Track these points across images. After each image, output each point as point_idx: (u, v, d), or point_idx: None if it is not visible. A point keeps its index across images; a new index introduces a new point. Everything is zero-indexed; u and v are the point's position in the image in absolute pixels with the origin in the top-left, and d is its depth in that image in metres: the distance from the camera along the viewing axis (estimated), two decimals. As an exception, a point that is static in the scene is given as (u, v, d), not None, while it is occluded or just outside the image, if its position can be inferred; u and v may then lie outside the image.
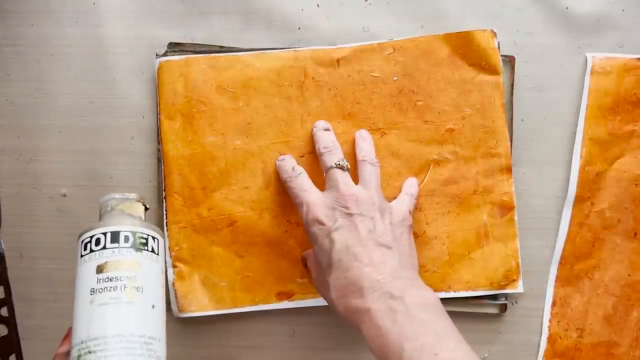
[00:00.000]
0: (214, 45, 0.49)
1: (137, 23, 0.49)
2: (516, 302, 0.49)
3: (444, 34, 0.48)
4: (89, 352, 0.31)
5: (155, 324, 0.33)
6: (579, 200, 0.48)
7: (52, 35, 0.50)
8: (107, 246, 0.34)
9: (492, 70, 0.47)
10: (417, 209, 0.47)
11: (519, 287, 0.47)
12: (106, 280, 0.32)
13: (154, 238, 0.35)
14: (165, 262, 0.45)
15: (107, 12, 0.50)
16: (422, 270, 0.47)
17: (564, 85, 0.49)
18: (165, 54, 0.49)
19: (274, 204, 0.48)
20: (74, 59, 0.50)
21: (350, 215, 0.40)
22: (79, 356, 0.31)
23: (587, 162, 0.48)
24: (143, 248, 0.34)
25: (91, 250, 0.34)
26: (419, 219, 0.47)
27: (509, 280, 0.47)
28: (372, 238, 0.39)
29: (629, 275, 0.48)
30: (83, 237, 0.35)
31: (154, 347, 0.32)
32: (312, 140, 0.48)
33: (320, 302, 0.47)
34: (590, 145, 0.48)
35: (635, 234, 0.48)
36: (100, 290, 0.32)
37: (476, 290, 0.47)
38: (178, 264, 0.48)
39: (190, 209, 0.48)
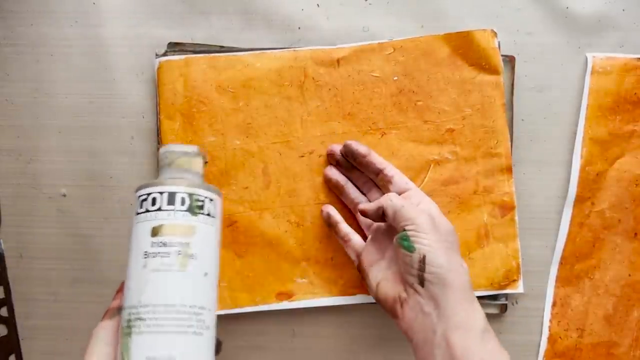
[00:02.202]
0: (214, 45, 0.49)
1: (137, 23, 0.49)
2: (516, 302, 0.49)
3: (444, 34, 0.48)
4: (139, 319, 0.31)
5: (206, 293, 0.33)
6: (579, 200, 0.48)
7: (52, 35, 0.49)
8: (162, 208, 0.33)
9: (492, 70, 0.47)
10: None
11: (519, 288, 0.47)
12: (160, 245, 0.32)
13: (210, 200, 0.34)
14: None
15: (107, 11, 0.49)
16: (422, 270, 0.47)
17: (564, 85, 0.49)
18: (165, 54, 0.48)
19: (274, 204, 0.48)
20: (74, 58, 0.49)
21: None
22: (129, 320, 0.31)
23: (587, 162, 0.48)
24: (199, 212, 0.33)
25: (147, 210, 0.33)
26: (419, 219, 0.47)
27: (510, 280, 0.47)
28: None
29: (629, 275, 0.48)
30: (140, 192, 0.34)
31: (204, 316, 0.32)
32: (312, 140, 0.47)
33: (320, 302, 0.47)
34: (590, 145, 0.48)
35: (636, 234, 0.48)
36: (154, 255, 0.32)
37: (476, 290, 0.47)
38: (178, 264, 0.47)
39: (190, 209, 0.48)
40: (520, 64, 0.49)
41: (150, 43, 0.49)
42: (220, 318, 0.48)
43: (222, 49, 0.49)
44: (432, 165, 0.48)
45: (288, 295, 0.48)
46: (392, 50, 0.48)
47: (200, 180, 0.36)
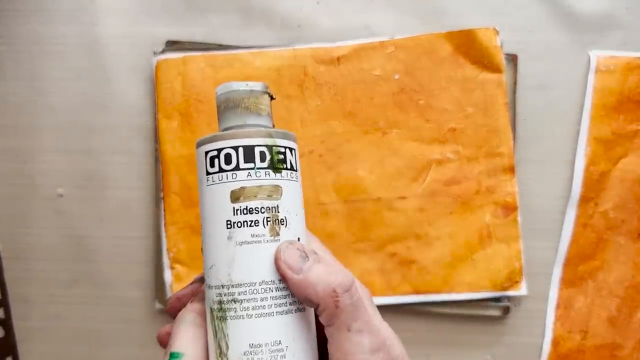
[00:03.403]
0: (213, 44, 0.49)
1: (135, 21, 0.49)
2: (519, 304, 0.48)
3: (446, 32, 0.47)
4: (234, 301, 0.27)
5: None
6: (583, 200, 0.48)
7: (48, 33, 0.49)
8: (240, 166, 0.28)
9: (494, 69, 0.47)
10: (419, 209, 0.47)
11: (522, 289, 0.47)
12: (245, 212, 0.27)
13: (291, 149, 0.29)
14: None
15: (104, 9, 0.49)
16: (424, 272, 0.47)
17: (568, 84, 0.48)
18: (163, 52, 0.48)
19: (274, 204, 0.47)
20: (70, 57, 0.49)
21: None
22: (220, 302, 0.27)
23: (591, 162, 0.48)
24: (282, 167, 0.28)
25: (221, 170, 0.28)
26: (420, 220, 0.47)
27: (512, 282, 0.47)
28: None
29: (633, 276, 0.48)
30: (208, 147, 0.29)
31: None
32: (312, 140, 0.47)
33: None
34: (594, 145, 0.48)
35: (639, 234, 0.48)
36: (239, 225, 0.27)
37: (479, 292, 0.47)
38: (176, 265, 0.47)
39: (188, 209, 0.47)
40: (522, 63, 0.48)
41: (148, 41, 0.49)
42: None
43: (220, 47, 0.48)
44: (433, 165, 0.47)
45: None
46: (394, 49, 0.47)
47: (273, 124, 0.30)
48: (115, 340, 0.49)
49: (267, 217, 0.27)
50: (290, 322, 0.27)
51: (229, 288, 0.27)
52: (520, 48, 0.48)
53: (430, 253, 0.47)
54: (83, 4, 0.49)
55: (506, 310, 0.48)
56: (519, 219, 0.47)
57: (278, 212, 0.28)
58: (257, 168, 0.28)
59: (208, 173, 0.28)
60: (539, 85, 0.49)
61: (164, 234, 0.47)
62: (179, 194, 0.47)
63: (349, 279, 0.27)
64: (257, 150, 0.28)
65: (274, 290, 0.27)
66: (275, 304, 0.27)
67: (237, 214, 0.27)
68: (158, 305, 0.48)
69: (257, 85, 0.29)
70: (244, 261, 0.27)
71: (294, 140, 0.30)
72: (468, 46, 0.47)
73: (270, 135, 0.28)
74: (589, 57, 0.48)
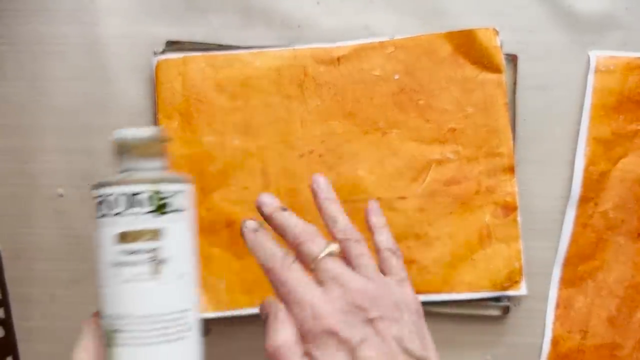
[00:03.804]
0: (213, 44, 0.49)
1: (135, 21, 0.49)
2: (519, 304, 0.48)
3: (446, 32, 0.47)
4: (117, 331, 0.29)
5: (185, 294, 0.31)
6: (582, 200, 0.48)
7: (49, 33, 0.49)
8: (124, 211, 0.30)
9: (494, 69, 0.47)
10: (419, 209, 0.47)
11: (522, 289, 0.47)
12: (128, 253, 0.30)
13: (178, 192, 0.31)
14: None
15: (104, 10, 0.49)
16: (424, 271, 0.47)
17: (567, 84, 0.48)
18: (163, 53, 0.48)
19: (274, 204, 0.47)
20: (71, 57, 0.49)
21: (371, 321, 0.31)
22: (107, 330, 0.30)
23: (590, 162, 0.48)
24: (166, 210, 0.30)
25: (107, 214, 0.30)
26: (420, 220, 0.47)
27: (512, 281, 0.47)
28: (402, 349, 0.31)
29: (633, 276, 0.48)
30: (97, 193, 0.31)
31: (186, 319, 0.30)
32: (312, 140, 0.47)
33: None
34: (594, 145, 0.48)
35: (639, 234, 0.48)
36: (122, 264, 0.30)
37: (478, 292, 0.47)
38: (176, 265, 0.47)
39: (188, 209, 0.47)
40: (522, 63, 0.48)
41: (148, 41, 0.49)
42: (219, 320, 0.48)
43: (220, 48, 0.48)
44: (433, 165, 0.47)
45: (288, 297, 0.47)
46: (393, 49, 0.47)
47: (164, 168, 0.32)
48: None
49: (148, 258, 0.30)
50: (168, 351, 0.30)
51: (114, 320, 0.30)
52: (520, 48, 0.48)
53: (430, 253, 0.47)
54: (84, 4, 0.49)
55: (506, 310, 0.48)
56: (518, 219, 0.47)
57: (160, 252, 0.30)
58: (141, 213, 0.30)
59: (98, 216, 0.31)
60: (539, 85, 0.49)
61: (164, 234, 0.47)
62: (179, 194, 0.47)
63: None
64: (141, 196, 0.30)
65: (153, 323, 0.29)
66: (153, 335, 0.29)
67: (121, 255, 0.30)
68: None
69: (149, 132, 0.31)
70: (127, 297, 0.30)
71: (185, 182, 0.32)
72: (468, 46, 0.47)
73: (154, 182, 0.30)
74: (589, 57, 0.48)
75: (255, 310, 0.47)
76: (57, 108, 0.49)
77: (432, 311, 0.47)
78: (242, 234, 0.35)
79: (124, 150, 0.32)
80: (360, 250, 0.35)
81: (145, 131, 0.31)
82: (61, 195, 0.49)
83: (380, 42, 0.48)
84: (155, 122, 0.48)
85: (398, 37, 0.48)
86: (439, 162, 0.47)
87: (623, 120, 0.48)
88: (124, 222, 0.30)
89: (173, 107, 0.47)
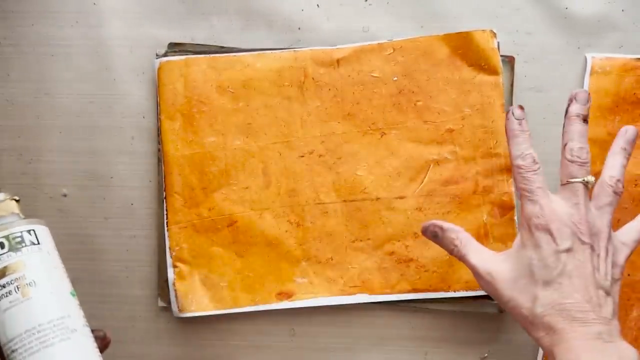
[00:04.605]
0: (214, 46, 0.49)
1: (138, 23, 0.50)
2: (516, 302, 0.49)
3: (443, 34, 0.48)
4: (13, 352, 0.35)
5: (60, 304, 0.36)
6: (578, 200, 0.48)
7: (53, 35, 0.50)
8: None
9: (491, 71, 0.47)
10: (417, 208, 0.47)
11: (518, 287, 0.47)
12: (1, 287, 0.36)
13: (29, 231, 0.37)
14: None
15: (108, 12, 0.50)
16: (422, 270, 0.47)
17: (564, 86, 0.49)
18: (165, 54, 0.49)
19: (274, 204, 0.48)
20: (75, 59, 0.50)
21: (582, 243, 0.39)
22: (7, 355, 0.35)
23: (586, 162, 0.48)
24: (21, 246, 0.36)
25: None
26: (419, 219, 0.47)
27: (509, 280, 0.47)
28: (594, 278, 0.39)
29: (629, 275, 0.48)
30: None
31: (66, 323, 0.35)
32: (312, 141, 0.48)
33: (320, 302, 0.48)
34: (590, 146, 0.48)
35: (635, 234, 0.48)
36: (1, 297, 0.36)
37: (476, 290, 0.47)
38: (178, 263, 0.48)
39: (190, 209, 0.48)
40: (519, 64, 0.49)
41: (151, 43, 0.49)
42: (220, 318, 0.48)
43: (222, 50, 0.49)
44: (431, 166, 0.48)
45: (288, 295, 0.48)
46: (392, 51, 0.48)
47: (14, 218, 0.39)
48: (119, 337, 0.49)
49: (17, 286, 0.36)
50: (55, 352, 0.35)
51: (8, 344, 0.35)
52: (517, 50, 0.49)
53: (428, 252, 0.47)
54: (88, 7, 0.49)
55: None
56: (515, 218, 0.48)
57: (25, 278, 0.36)
58: (2, 254, 0.36)
59: None
60: (536, 86, 0.49)
61: (166, 233, 0.48)
62: (181, 194, 0.48)
63: None
64: None
65: (37, 333, 0.35)
66: (39, 343, 0.34)
67: None
68: (161, 303, 0.49)
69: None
70: (10, 322, 0.35)
71: (35, 223, 0.38)
72: (465, 48, 0.47)
73: (6, 229, 0.37)
74: (585, 59, 0.49)
75: (255, 308, 0.48)
76: (61, 109, 0.50)
77: (431, 308, 0.48)
78: (506, 118, 0.42)
79: None
80: (606, 200, 0.41)
81: None
82: (65, 195, 0.50)
83: (379, 44, 0.48)
84: (158, 122, 0.48)
85: (396, 39, 0.48)
86: (437, 163, 0.48)
87: (619, 121, 0.48)
88: None
89: (175, 108, 0.48)
